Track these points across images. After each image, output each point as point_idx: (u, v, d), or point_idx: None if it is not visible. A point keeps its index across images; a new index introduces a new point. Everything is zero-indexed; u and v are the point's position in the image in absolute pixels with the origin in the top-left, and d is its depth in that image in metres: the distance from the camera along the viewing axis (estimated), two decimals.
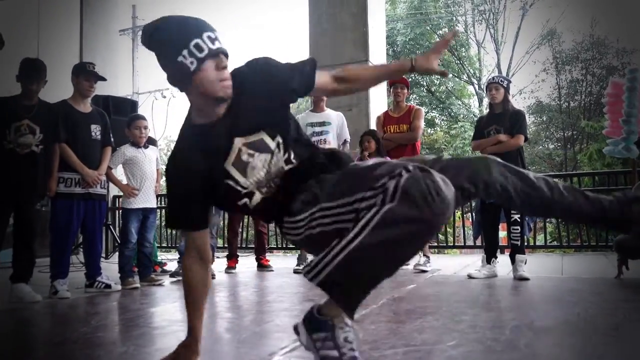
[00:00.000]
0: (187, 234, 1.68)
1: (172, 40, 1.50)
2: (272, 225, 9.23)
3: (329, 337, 1.47)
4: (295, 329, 1.63)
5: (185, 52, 1.47)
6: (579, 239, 7.84)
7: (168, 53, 1.51)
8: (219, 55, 1.52)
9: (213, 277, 4.64)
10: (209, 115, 1.59)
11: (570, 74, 23.35)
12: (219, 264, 5.24)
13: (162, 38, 1.53)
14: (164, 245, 7.85)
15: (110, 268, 4.72)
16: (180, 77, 1.53)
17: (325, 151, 1.73)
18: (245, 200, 1.62)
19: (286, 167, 1.62)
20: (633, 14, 31.97)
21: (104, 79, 3.99)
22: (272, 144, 1.61)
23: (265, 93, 1.61)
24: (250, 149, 1.60)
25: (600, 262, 5.07)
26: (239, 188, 1.61)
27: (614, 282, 3.77)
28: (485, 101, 4.67)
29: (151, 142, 4.64)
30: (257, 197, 1.62)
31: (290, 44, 48.13)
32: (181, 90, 1.60)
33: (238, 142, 1.59)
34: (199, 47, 1.48)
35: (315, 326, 1.51)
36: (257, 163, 1.60)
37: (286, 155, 1.63)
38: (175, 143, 1.68)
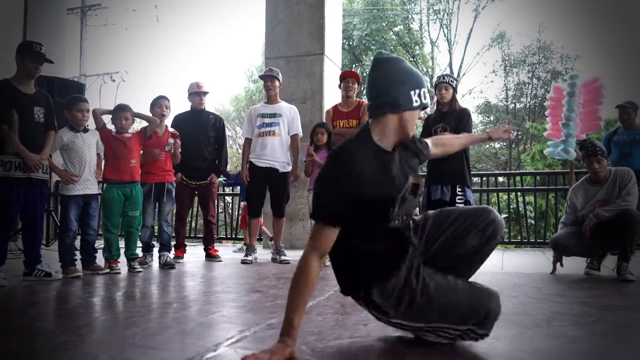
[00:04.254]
0: (327, 231, 1.72)
1: (415, 75, 1.80)
2: (221, 215, 9.13)
3: None
4: None
5: (418, 90, 1.77)
6: (519, 236, 8.18)
7: (405, 82, 1.78)
8: (426, 108, 1.84)
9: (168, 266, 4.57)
10: (387, 144, 1.80)
11: (517, 76, 24.27)
12: None
13: (408, 68, 1.82)
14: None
15: (51, 256, 4.56)
16: (396, 104, 1.76)
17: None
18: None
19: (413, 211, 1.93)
20: (578, 23, 33.40)
21: (51, 62, 3.83)
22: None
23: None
24: (411, 190, 1.85)
25: (538, 258, 5.31)
26: (391, 216, 1.77)
27: (550, 277, 3.97)
28: (435, 99, 4.76)
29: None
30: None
31: (247, 34, 47.62)
32: (380, 113, 1.79)
33: (410, 180, 1.85)
34: (425, 95, 1.79)
35: None
36: (409, 203, 1.85)
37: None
38: (354, 151, 1.76)
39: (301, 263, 1.72)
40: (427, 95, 1.81)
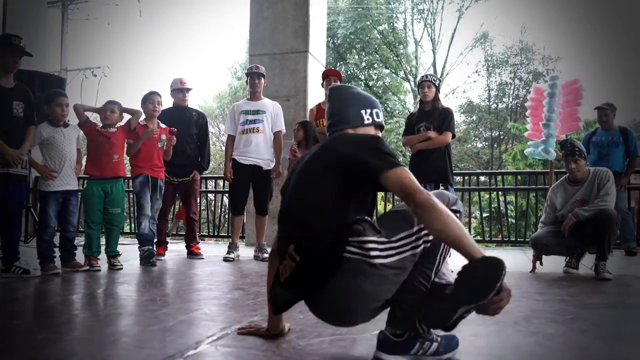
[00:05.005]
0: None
1: (365, 98, 1.96)
2: (204, 213, 9.08)
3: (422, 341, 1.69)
4: None
5: (369, 110, 1.91)
6: (500, 235, 8.28)
7: (354, 102, 1.93)
8: (381, 128, 1.96)
9: (152, 263, 4.53)
10: None
11: (499, 76, 24.49)
12: None
13: (357, 92, 1.98)
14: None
15: (29, 252, 4.49)
16: (347, 121, 1.90)
17: None
18: None
19: None
20: (560, 24, 33.87)
21: (30, 55, 3.77)
22: None
23: None
24: None
25: (519, 257, 5.37)
26: None
27: (530, 276, 4.02)
28: (418, 98, 4.81)
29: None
30: None
31: (231, 30, 47.32)
32: (334, 131, 1.90)
33: None
34: (377, 115, 1.93)
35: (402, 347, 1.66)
36: None
37: None
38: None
39: (428, 197, 1.55)
40: (381, 115, 1.93)
